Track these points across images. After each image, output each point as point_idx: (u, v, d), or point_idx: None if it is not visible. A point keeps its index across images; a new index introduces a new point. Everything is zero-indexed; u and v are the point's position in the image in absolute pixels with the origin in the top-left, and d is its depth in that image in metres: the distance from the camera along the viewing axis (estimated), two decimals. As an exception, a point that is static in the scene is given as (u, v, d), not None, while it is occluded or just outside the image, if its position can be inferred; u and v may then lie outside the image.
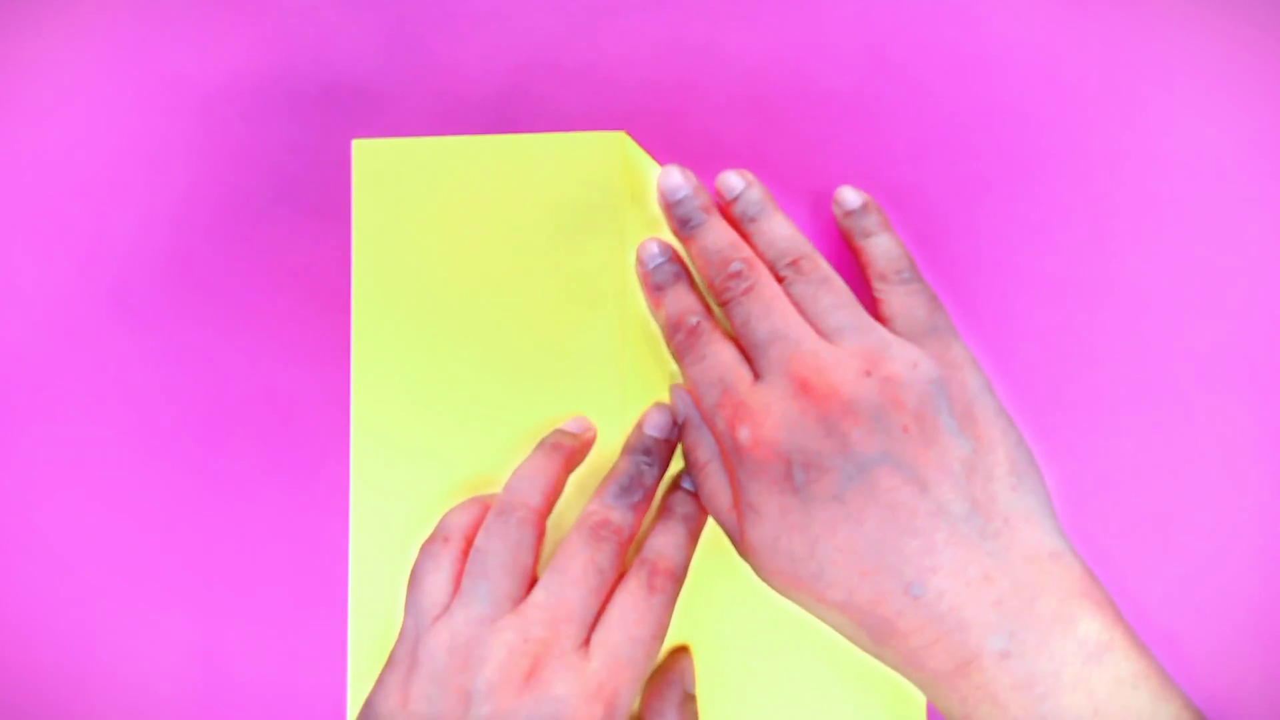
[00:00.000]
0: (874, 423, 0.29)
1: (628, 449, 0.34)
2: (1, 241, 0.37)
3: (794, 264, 0.32)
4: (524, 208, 0.35)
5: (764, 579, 0.30)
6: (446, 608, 0.30)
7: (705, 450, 0.33)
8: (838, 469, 0.29)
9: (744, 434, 0.30)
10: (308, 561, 0.36)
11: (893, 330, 0.32)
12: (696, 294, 0.34)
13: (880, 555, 0.28)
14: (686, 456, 0.33)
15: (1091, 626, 0.27)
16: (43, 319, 0.37)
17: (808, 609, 0.30)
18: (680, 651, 0.34)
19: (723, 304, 0.33)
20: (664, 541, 0.32)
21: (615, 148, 0.35)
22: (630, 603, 0.30)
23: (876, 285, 0.33)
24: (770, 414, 0.30)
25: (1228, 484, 0.35)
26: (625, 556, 0.32)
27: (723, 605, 0.34)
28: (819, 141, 0.36)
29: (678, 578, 0.31)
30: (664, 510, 0.33)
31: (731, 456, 0.31)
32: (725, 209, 0.34)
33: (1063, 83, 0.36)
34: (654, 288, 0.34)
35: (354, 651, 0.34)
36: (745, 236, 0.34)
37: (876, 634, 0.28)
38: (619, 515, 0.32)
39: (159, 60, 0.37)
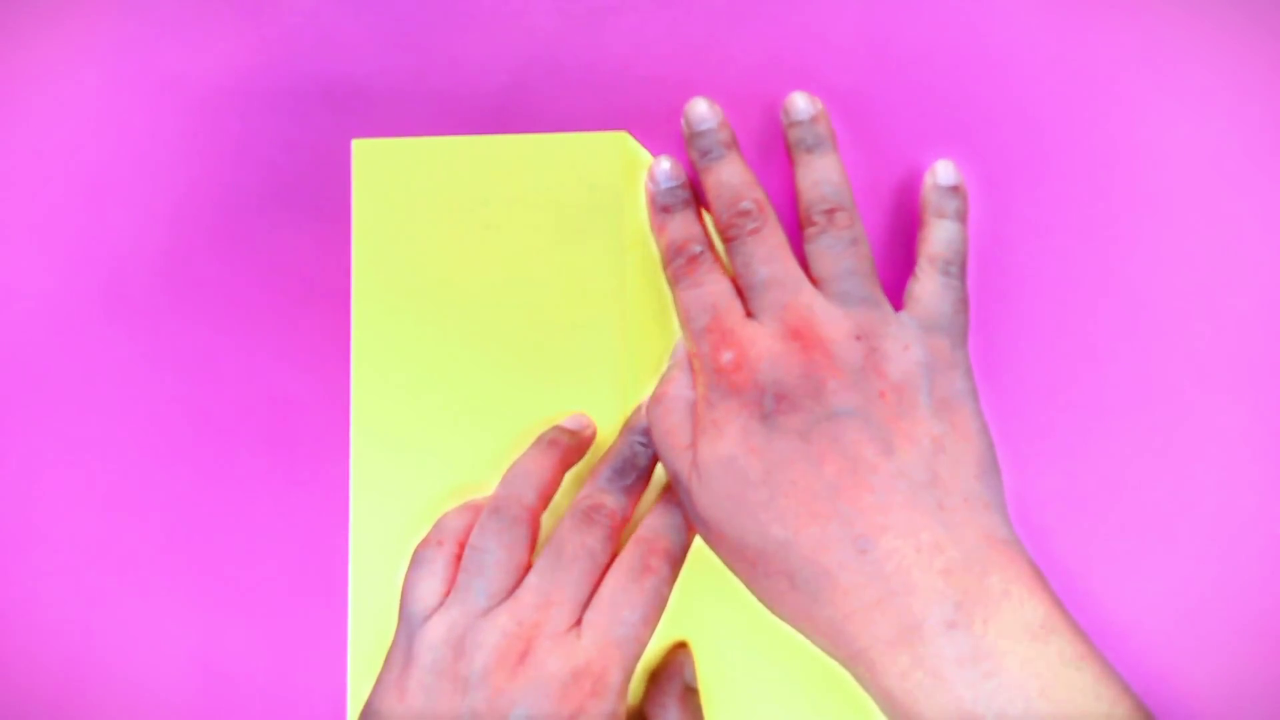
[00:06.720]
0: (853, 380, 0.29)
1: (624, 430, 0.33)
2: (0, 241, 0.37)
3: (830, 213, 0.32)
4: (524, 208, 0.35)
5: (704, 508, 0.29)
6: (440, 606, 0.30)
7: (676, 386, 0.32)
8: (808, 409, 0.28)
9: (726, 356, 0.30)
10: (308, 561, 0.36)
11: (910, 311, 0.31)
12: (703, 225, 0.34)
13: (833, 501, 0.28)
14: (655, 390, 0.33)
15: (1036, 609, 0.26)
16: (41, 318, 0.37)
17: (739, 557, 0.29)
18: (679, 646, 0.34)
19: (727, 240, 0.32)
20: (662, 521, 0.32)
21: (615, 148, 0.35)
22: (622, 584, 0.30)
23: (921, 263, 0.32)
24: (756, 345, 0.30)
25: (1227, 484, 0.35)
26: (619, 539, 0.31)
27: (723, 601, 0.34)
28: (819, 141, 0.36)
29: (675, 559, 0.31)
30: (667, 490, 0.33)
31: (706, 378, 0.30)
32: (784, 131, 0.34)
33: (1063, 83, 0.36)
34: (660, 209, 0.34)
35: (354, 651, 0.34)
36: (794, 165, 0.33)
37: (812, 588, 0.27)
38: (612, 499, 0.32)
39: (159, 60, 0.37)
